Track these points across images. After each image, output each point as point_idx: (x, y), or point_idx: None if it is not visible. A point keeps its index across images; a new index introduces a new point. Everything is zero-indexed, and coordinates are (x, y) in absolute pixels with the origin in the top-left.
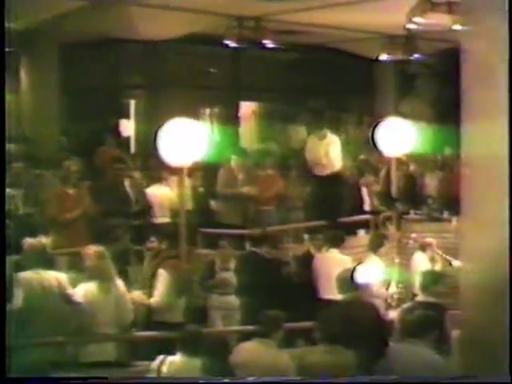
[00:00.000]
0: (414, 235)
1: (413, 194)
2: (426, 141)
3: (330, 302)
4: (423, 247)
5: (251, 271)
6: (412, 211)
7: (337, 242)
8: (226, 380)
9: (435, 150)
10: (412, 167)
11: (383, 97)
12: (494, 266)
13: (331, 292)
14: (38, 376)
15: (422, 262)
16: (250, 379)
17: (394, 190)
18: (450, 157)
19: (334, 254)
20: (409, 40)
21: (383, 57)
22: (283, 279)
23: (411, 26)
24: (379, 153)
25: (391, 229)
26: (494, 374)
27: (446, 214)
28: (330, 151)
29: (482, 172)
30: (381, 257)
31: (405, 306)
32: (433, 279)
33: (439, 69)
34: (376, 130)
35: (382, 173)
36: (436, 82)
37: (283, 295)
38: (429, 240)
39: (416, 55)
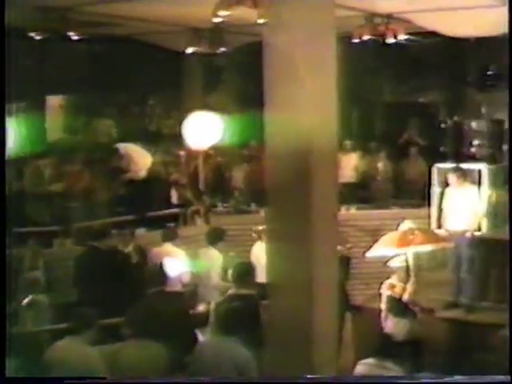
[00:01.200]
0: (260, 227)
1: (220, 187)
2: (232, 134)
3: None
4: (260, 236)
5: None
6: (220, 204)
7: (171, 236)
8: (228, 380)
9: (241, 143)
10: (219, 160)
11: (190, 90)
12: (297, 256)
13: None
14: (37, 376)
15: (260, 252)
16: (255, 379)
17: (201, 183)
18: (256, 149)
19: (168, 247)
20: (215, 33)
21: (190, 50)
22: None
23: (217, 20)
24: (187, 146)
25: (199, 222)
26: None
27: (253, 206)
28: (135, 162)
29: (285, 163)
30: (218, 249)
31: (219, 299)
32: (244, 270)
33: (245, 62)
34: (184, 123)
35: (191, 166)
36: (242, 75)
37: (105, 291)
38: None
39: (222, 48)
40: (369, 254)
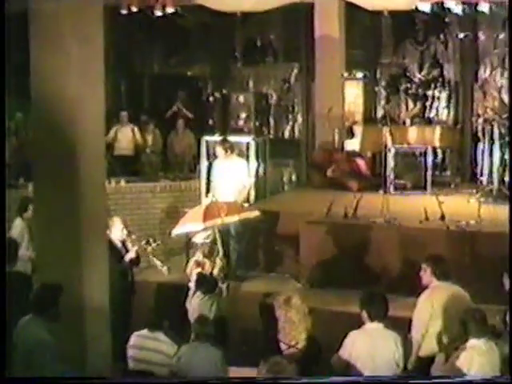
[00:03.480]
0: None
1: None
2: None
3: None
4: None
5: None
6: None
7: None
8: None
9: (8, 115)
10: None
11: None
12: (66, 228)
13: None
14: (37, 376)
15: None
16: (260, 378)
17: None
18: (22, 120)
19: None
20: None
21: None
22: None
23: None
24: None
25: None
26: None
27: (21, 180)
28: None
29: (51, 134)
30: None
31: None
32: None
33: (13, 30)
34: None
35: None
36: (9, 43)
37: None
38: None
39: None
40: (175, 232)
